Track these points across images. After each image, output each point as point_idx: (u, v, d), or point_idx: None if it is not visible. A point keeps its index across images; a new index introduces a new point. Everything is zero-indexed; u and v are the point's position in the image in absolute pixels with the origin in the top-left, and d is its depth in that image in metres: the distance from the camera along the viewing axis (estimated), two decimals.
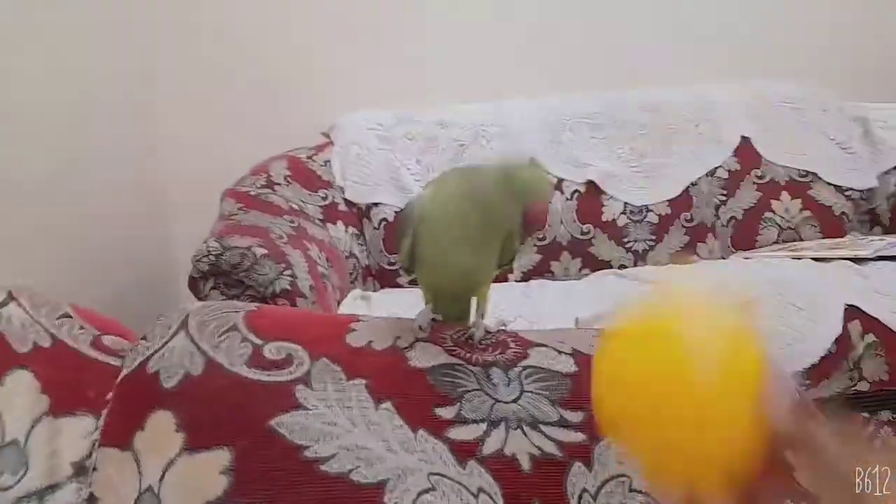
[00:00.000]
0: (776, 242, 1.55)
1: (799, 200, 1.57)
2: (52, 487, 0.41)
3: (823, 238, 1.53)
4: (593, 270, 1.49)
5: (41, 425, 0.43)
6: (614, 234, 1.53)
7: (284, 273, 1.10)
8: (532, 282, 1.45)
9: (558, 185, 1.55)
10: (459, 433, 0.43)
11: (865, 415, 1.07)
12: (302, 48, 1.69)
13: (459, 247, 0.51)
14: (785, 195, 1.57)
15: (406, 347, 0.49)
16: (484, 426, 0.44)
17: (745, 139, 1.60)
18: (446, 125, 1.59)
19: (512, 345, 0.51)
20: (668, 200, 1.55)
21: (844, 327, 1.07)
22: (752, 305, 0.30)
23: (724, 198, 1.57)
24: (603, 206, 1.54)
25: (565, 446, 0.43)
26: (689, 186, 1.56)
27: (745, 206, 1.57)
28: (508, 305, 1.21)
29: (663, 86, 1.67)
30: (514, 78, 1.71)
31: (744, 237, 1.56)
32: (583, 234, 1.53)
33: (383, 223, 1.52)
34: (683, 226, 1.55)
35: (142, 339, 0.48)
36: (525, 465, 0.42)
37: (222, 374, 0.45)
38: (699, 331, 0.30)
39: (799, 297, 1.11)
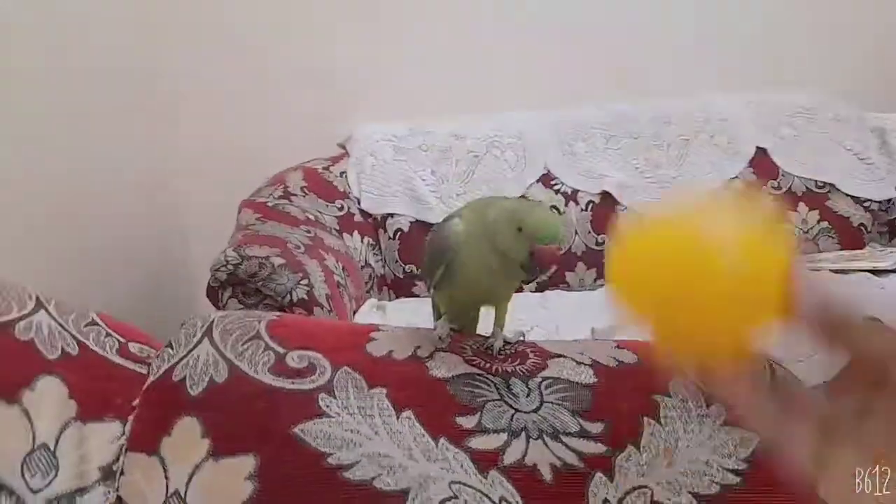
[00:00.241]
0: None
1: (816, 212, 1.56)
2: (81, 491, 0.42)
3: (842, 250, 1.52)
4: None
5: (70, 430, 0.43)
6: None
7: (301, 283, 1.11)
8: (548, 292, 1.45)
9: (573, 195, 1.55)
10: (480, 442, 0.44)
11: None
12: (319, 59, 1.71)
13: (486, 276, 0.52)
14: (802, 206, 1.56)
15: (426, 357, 0.50)
16: (505, 436, 0.44)
17: (760, 150, 1.59)
18: (461, 136, 1.60)
19: (531, 355, 0.51)
20: None
21: None
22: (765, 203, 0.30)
23: None
24: (618, 216, 1.54)
25: (586, 457, 0.43)
26: None
27: None
28: (525, 315, 1.21)
29: (677, 96, 1.67)
30: (528, 90, 1.71)
31: None
32: (598, 244, 1.53)
33: (398, 233, 1.53)
34: None
35: (167, 346, 0.49)
36: (546, 475, 0.42)
37: (247, 381, 0.45)
38: (722, 216, 0.29)
39: None
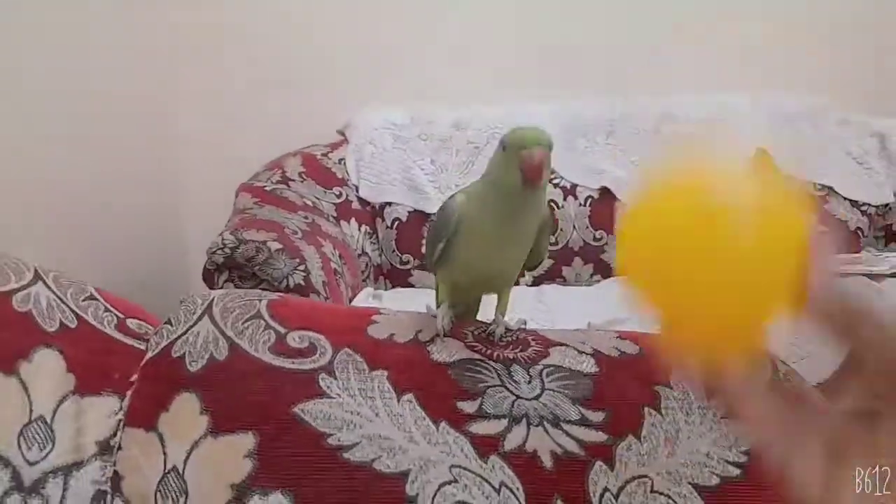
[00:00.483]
0: None
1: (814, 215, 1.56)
2: (78, 464, 0.41)
3: (838, 254, 1.52)
4: (605, 277, 1.49)
5: (67, 403, 0.43)
6: None
7: (298, 268, 1.11)
8: (544, 286, 1.45)
9: (572, 190, 1.55)
10: (481, 428, 0.43)
11: None
12: (319, 45, 1.70)
13: (491, 249, 0.51)
14: None
15: (427, 341, 0.49)
16: (505, 422, 0.44)
17: (760, 150, 1.59)
18: (461, 126, 1.59)
19: (533, 343, 0.51)
20: None
21: None
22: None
23: None
24: (616, 212, 1.54)
25: (587, 445, 0.43)
26: None
27: None
28: (521, 309, 1.21)
29: (678, 94, 1.67)
30: (530, 81, 1.71)
31: None
32: (595, 240, 1.53)
33: (396, 223, 1.52)
34: None
35: (166, 323, 0.49)
36: (546, 462, 0.42)
37: (247, 359, 0.45)
38: (736, 185, 0.27)
39: None
